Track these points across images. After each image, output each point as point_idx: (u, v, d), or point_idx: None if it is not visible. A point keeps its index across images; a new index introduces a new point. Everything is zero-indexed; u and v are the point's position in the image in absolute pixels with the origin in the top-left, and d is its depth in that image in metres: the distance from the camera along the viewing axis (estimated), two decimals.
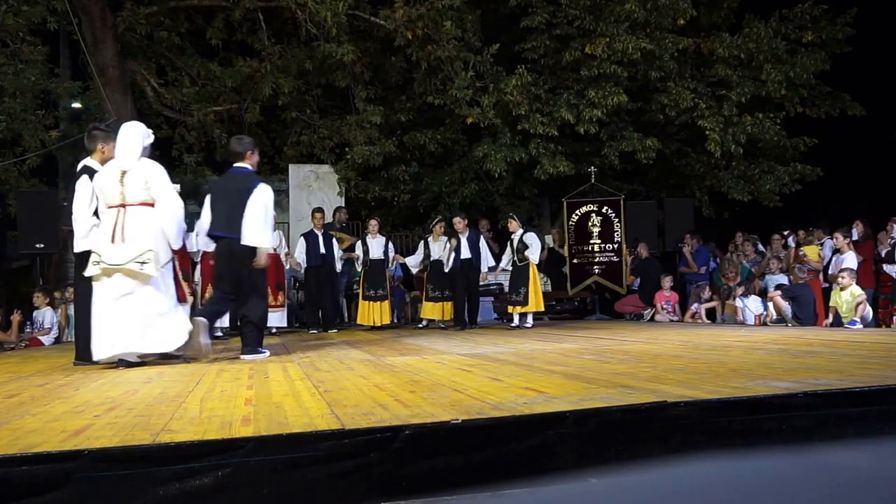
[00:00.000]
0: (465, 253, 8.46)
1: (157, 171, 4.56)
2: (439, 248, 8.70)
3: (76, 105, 11.98)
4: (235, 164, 5.14)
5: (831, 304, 7.11)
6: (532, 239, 8.14)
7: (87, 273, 4.42)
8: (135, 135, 4.58)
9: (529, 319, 8.28)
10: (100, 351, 4.29)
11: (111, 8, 10.46)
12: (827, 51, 11.58)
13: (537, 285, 8.25)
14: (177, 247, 4.64)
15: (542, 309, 8.52)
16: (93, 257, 4.37)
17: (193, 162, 11.93)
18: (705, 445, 2.22)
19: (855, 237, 8.17)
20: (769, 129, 11.21)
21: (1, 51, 10.16)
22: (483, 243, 8.71)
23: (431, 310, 8.76)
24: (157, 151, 11.26)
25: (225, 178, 5.28)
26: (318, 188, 11.95)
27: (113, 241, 4.32)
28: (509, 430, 2.12)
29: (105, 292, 4.31)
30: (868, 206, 11.36)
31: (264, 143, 13.14)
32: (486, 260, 8.71)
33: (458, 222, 8.58)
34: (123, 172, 4.46)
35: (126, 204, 4.41)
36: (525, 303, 8.12)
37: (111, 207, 4.43)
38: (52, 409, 2.71)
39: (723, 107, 11.10)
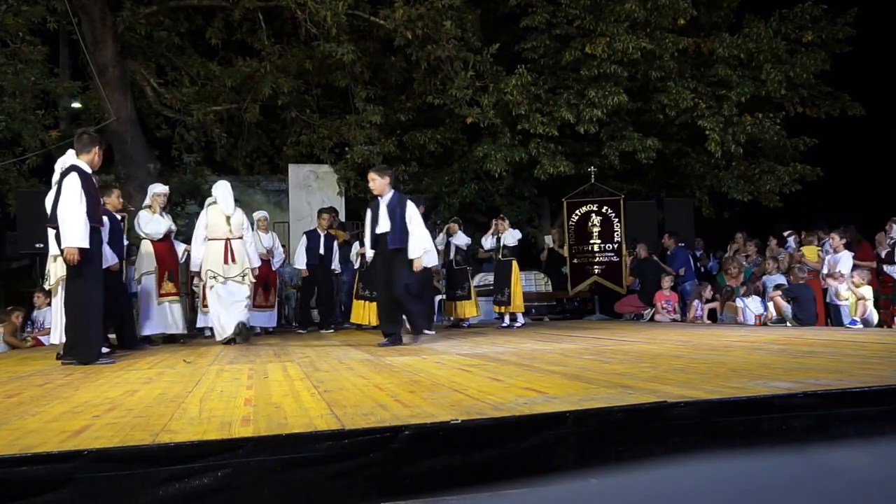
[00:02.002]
0: (385, 225, 5.76)
1: (244, 215, 6.76)
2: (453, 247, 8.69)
3: (76, 105, 11.96)
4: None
5: (843, 301, 7.07)
6: (516, 233, 8.43)
7: (206, 282, 6.52)
8: (229, 190, 6.66)
9: (520, 319, 8.42)
10: (223, 332, 6.41)
11: (111, 8, 10.45)
12: (827, 51, 11.58)
13: (518, 285, 8.40)
14: (254, 266, 6.69)
15: (523, 310, 8.61)
16: (209, 273, 6.47)
17: (193, 162, 11.91)
18: (705, 445, 2.22)
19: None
20: (769, 129, 11.21)
21: (1, 51, 10.14)
22: (414, 213, 5.83)
23: (448, 309, 8.82)
24: (156, 151, 11.39)
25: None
26: (317, 188, 11.95)
27: (226, 262, 6.46)
28: (509, 430, 2.12)
29: (222, 295, 6.43)
30: (868, 206, 11.35)
31: (264, 143, 13.14)
32: (419, 241, 5.80)
33: (374, 178, 5.88)
34: (228, 217, 6.54)
35: (230, 238, 6.52)
36: (509, 303, 8.26)
37: (217, 239, 6.50)
38: (52, 409, 2.71)
39: (723, 107, 11.10)
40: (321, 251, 8.61)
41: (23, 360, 5.44)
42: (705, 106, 11.01)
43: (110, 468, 1.85)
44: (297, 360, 4.60)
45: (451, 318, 8.79)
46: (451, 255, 8.64)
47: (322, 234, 8.73)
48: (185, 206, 11.41)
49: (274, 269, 8.52)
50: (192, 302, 9.19)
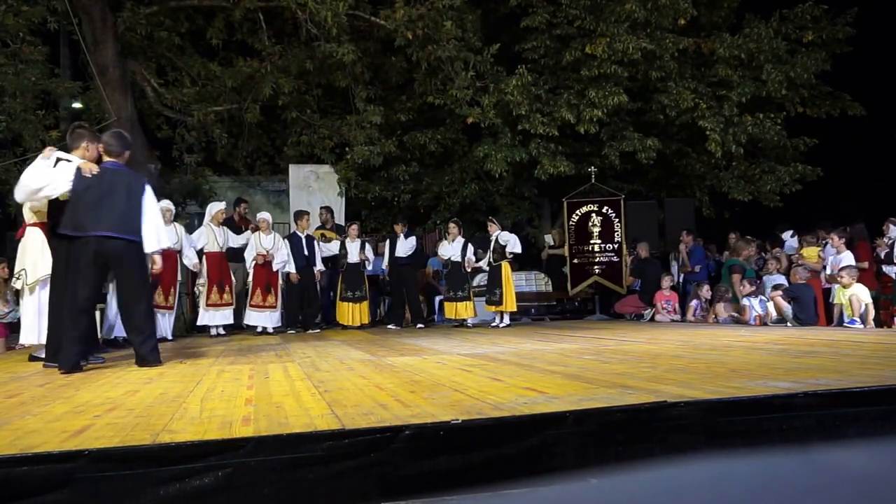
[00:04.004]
0: (401, 253, 8.96)
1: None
2: (453, 249, 8.87)
3: (76, 105, 11.95)
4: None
5: (836, 301, 7.09)
6: (508, 236, 8.59)
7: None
8: (167, 208, 7.01)
9: (506, 318, 8.63)
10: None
11: (111, 8, 10.44)
12: (827, 51, 11.57)
13: (510, 285, 8.62)
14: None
15: (515, 309, 8.81)
16: None
17: (193, 162, 11.89)
18: (706, 445, 2.21)
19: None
20: (769, 129, 11.20)
21: (1, 51, 10.13)
22: (413, 243, 9.27)
23: (449, 309, 8.94)
24: (157, 152, 11.37)
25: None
26: (318, 188, 11.94)
27: None
28: (509, 430, 2.12)
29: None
30: (868, 206, 11.36)
31: (265, 144, 13.15)
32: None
33: (399, 228, 9.14)
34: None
35: None
36: (500, 303, 8.51)
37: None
38: (53, 409, 2.71)
39: (723, 107, 11.09)
40: (305, 252, 8.75)
41: (23, 361, 5.44)
42: (706, 106, 11.00)
43: (111, 468, 1.85)
44: (298, 360, 4.60)
45: (454, 319, 8.92)
46: (458, 257, 8.80)
47: (303, 236, 8.86)
48: (185, 207, 11.41)
49: (275, 269, 8.55)
50: (192, 302, 9.23)
